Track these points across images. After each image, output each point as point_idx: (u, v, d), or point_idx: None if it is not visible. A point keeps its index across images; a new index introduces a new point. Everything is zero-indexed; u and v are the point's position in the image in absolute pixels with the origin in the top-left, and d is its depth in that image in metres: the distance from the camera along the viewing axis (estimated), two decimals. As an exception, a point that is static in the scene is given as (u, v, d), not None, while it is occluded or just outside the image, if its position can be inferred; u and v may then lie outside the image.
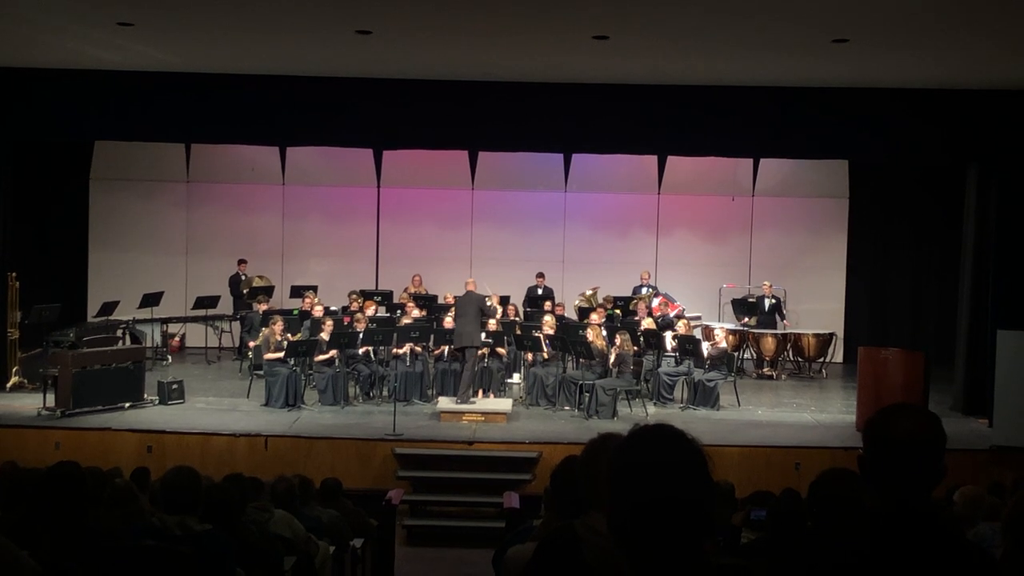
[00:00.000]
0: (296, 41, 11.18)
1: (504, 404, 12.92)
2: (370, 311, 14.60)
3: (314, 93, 13.03)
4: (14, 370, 13.53)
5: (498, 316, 13.73)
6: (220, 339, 16.75)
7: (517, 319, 15.34)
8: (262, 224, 17.87)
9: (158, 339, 16.00)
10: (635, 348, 13.31)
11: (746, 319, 16.44)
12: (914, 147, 13.36)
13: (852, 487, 3.34)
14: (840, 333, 17.10)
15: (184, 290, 17.25)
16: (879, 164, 16.83)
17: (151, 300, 15.74)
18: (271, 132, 13.77)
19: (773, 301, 16.54)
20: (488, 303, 13.35)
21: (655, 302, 15.61)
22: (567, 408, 13.08)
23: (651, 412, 13.14)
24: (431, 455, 11.38)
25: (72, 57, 12.12)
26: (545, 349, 13.48)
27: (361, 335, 13.40)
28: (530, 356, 13.76)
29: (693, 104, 13.05)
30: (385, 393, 13.44)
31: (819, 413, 13.34)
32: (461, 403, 12.65)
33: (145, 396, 12.72)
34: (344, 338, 13.18)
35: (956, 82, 12.39)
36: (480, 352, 13.18)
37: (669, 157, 17.38)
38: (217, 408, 12.78)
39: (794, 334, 16.24)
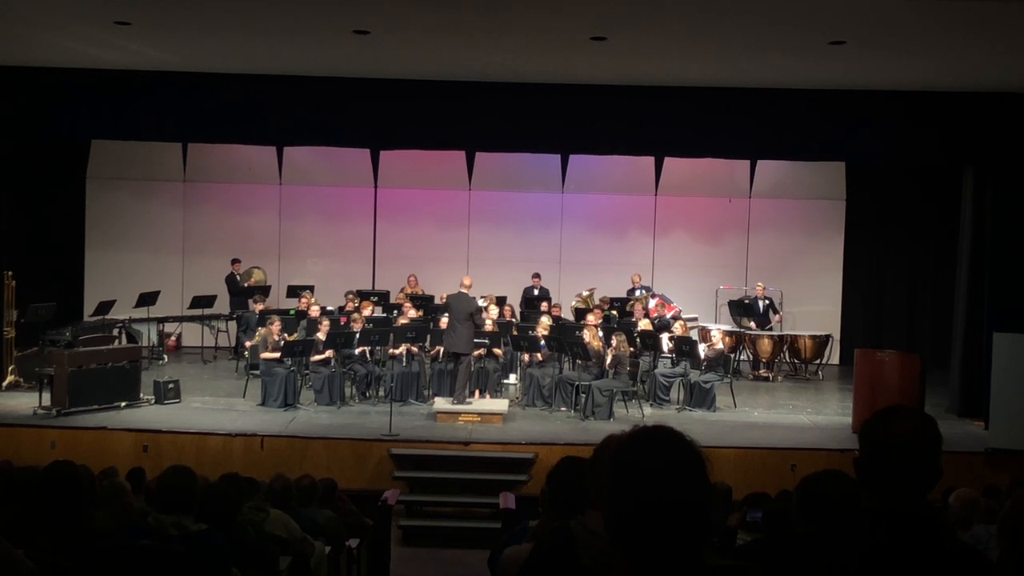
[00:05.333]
0: (294, 41, 11.17)
1: (500, 405, 12.92)
2: (366, 311, 14.61)
3: (311, 93, 13.02)
4: (10, 369, 13.50)
5: (486, 325, 13.62)
6: (216, 338, 16.75)
7: (513, 320, 15.34)
8: (259, 224, 17.87)
9: (154, 338, 16.00)
10: (631, 349, 13.31)
11: (753, 323, 16.39)
12: (911, 149, 13.38)
13: (837, 488, 3.34)
14: (836, 335, 17.13)
15: (180, 289, 17.25)
16: (876, 166, 16.85)
17: (147, 299, 15.73)
18: (268, 132, 13.76)
19: (766, 302, 16.56)
20: (481, 308, 13.26)
21: (652, 303, 15.62)
22: (563, 409, 13.08)
23: (647, 413, 13.15)
24: (427, 455, 11.38)
25: (69, 56, 12.10)
26: (541, 350, 13.48)
27: (357, 335, 13.40)
28: (526, 357, 13.76)
29: (690, 105, 13.06)
30: (381, 393, 13.44)
31: (815, 415, 13.35)
32: (457, 403, 12.64)
33: (141, 395, 12.70)
34: (340, 338, 13.18)
35: (953, 84, 12.42)
36: (476, 352, 13.19)
37: (666, 158, 17.39)
38: (213, 408, 12.77)
39: (790, 336, 16.26)
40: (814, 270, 17.79)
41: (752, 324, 16.37)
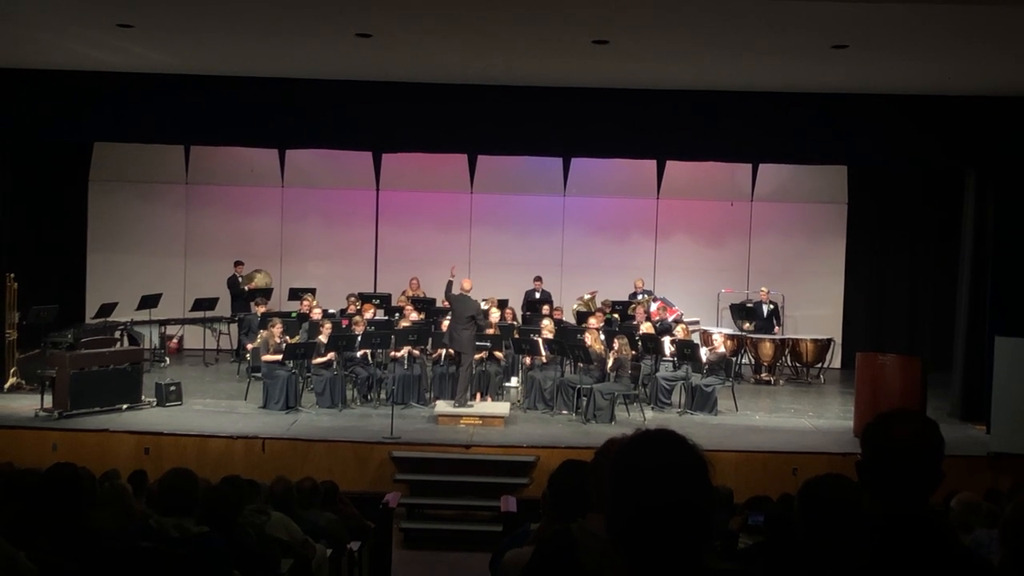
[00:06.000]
0: (296, 44, 11.19)
1: (502, 408, 12.91)
2: (368, 314, 14.60)
3: (314, 96, 13.04)
4: (12, 371, 13.51)
5: (488, 327, 13.62)
6: (218, 341, 16.75)
7: (515, 323, 15.33)
8: (261, 226, 17.87)
9: (156, 341, 16.00)
10: (633, 352, 13.30)
11: (747, 324, 16.40)
12: (913, 153, 13.39)
13: (839, 492, 3.34)
14: (838, 338, 17.10)
15: (182, 292, 17.25)
16: (878, 169, 16.85)
17: (149, 302, 15.72)
18: (270, 134, 13.78)
19: (771, 307, 16.55)
20: (482, 309, 13.28)
21: (653, 307, 15.61)
22: (565, 412, 13.08)
23: (649, 416, 13.14)
24: (428, 458, 11.38)
25: (72, 58, 12.12)
26: (543, 353, 13.48)
27: (359, 338, 13.39)
28: (528, 360, 13.75)
29: (692, 109, 13.06)
30: (383, 396, 13.43)
31: (817, 418, 13.34)
32: (459, 406, 12.64)
33: (143, 398, 12.70)
34: (342, 341, 13.18)
35: (955, 88, 12.42)
36: (478, 355, 13.19)
37: (668, 162, 17.40)
38: (214, 410, 12.76)
39: (792, 339, 16.25)
40: (816, 273, 17.77)
41: (748, 326, 16.35)
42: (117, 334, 14.99)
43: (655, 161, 17.48)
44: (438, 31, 10.33)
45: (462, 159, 17.63)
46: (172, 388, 12.88)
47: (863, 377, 12.42)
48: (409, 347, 13.51)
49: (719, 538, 5.57)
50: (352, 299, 15.51)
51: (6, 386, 13.38)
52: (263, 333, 13.40)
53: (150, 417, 12.21)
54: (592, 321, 14.02)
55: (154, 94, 12.94)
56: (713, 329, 15.64)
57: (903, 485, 2.46)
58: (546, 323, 14.06)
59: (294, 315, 15.04)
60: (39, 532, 4.42)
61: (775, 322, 16.46)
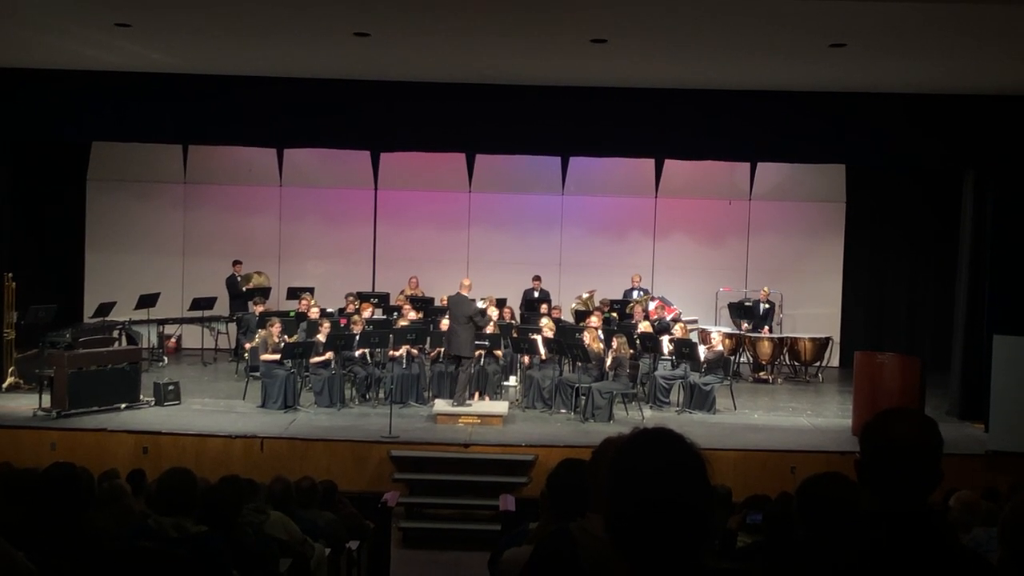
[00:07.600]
0: (294, 43, 11.17)
1: (500, 407, 12.92)
2: (367, 313, 14.61)
3: (312, 95, 13.03)
4: (10, 371, 13.49)
5: (487, 326, 13.62)
6: (216, 340, 16.74)
7: (514, 322, 15.33)
8: (259, 225, 17.87)
9: (154, 340, 15.99)
10: (631, 351, 13.31)
11: (746, 324, 16.42)
12: (911, 152, 13.38)
13: (837, 491, 3.35)
14: (836, 337, 17.11)
15: (180, 291, 17.25)
16: (876, 169, 16.85)
17: (147, 301, 15.72)
18: (268, 133, 13.76)
19: (767, 306, 16.55)
20: (479, 311, 13.27)
21: (652, 305, 15.62)
22: (563, 411, 13.08)
23: (647, 415, 13.14)
24: (427, 457, 11.38)
25: (70, 58, 12.11)
26: (541, 351, 13.47)
27: (357, 337, 13.40)
28: (526, 359, 13.76)
29: (691, 108, 13.06)
30: (381, 395, 13.43)
31: (815, 417, 13.35)
32: (457, 405, 12.64)
33: (141, 397, 12.69)
34: (340, 340, 13.17)
35: (953, 87, 12.42)
36: (476, 354, 13.19)
37: (666, 161, 17.40)
38: (213, 410, 12.76)
39: (790, 338, 16.26)
40: (814, 272, 17.78)
41: (746, 325, 16.36)
42: (115, 333, 14.98)
43: (653, 160, 17.50)
44: (436, 30, 10.32)
45: (460, 158, 17.63)
46: (170, 387, 12.87)
47: (861, 376, 12.43)
48: (408, 346, 13.51)
49: (718, 537, 5.57)
50: (350, 298, 15.50)
51: (4, 386, 13.37)
52: (261, 332, 13.39)
53: (148, 416, 12.20)
54: (591, 320, 14.03)
55: (152, 93, 12.93)
56: (711, 328, 15.64)
57: (902, 484, 2.46)
58: (547, 322, 14.05)
59: (292, 314, 15.03)
60: (38, 532, 4.42)
61: (767, 322, 16.45)
